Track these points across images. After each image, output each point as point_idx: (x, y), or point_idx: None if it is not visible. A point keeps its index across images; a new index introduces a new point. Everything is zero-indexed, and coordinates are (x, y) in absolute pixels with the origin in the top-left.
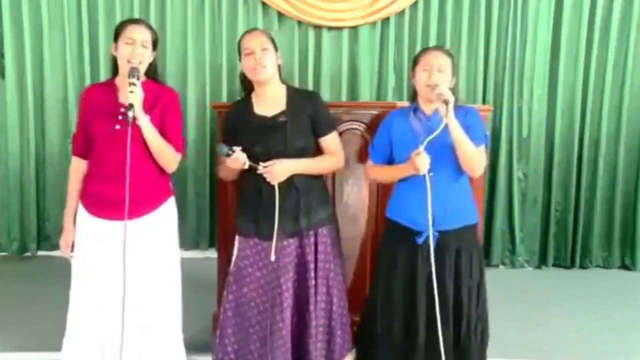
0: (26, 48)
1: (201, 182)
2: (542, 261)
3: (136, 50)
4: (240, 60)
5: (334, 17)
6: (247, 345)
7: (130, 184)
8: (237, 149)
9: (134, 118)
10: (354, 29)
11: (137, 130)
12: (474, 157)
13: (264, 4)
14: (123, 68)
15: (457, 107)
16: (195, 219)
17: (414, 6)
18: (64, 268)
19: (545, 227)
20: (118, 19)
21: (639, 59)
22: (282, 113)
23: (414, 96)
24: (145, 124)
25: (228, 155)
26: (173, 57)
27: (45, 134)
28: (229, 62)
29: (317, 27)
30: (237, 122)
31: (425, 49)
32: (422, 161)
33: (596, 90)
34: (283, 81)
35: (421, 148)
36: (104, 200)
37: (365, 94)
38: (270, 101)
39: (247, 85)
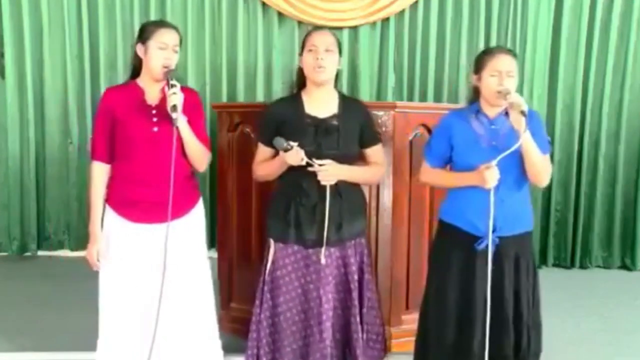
0: (26, 48)
1: (201, 182)
2: (542, 261)
3: (169, 54)
4: (301, 54)
5: (334, 17)
6: (282, 356)
7: (167, 186)
8: (294, 144)
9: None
10: (354, 29)
11: (172, 132)
12: (543, 167)
13: (264, 4)
14: (153, 70)
15: None
16: None
17: (414, 6)
18: (64, 268)
19: (545, 227)
20: (118, 19)
21: (639, 59)
22: (334, 116)
23: (474, 97)
24: (185, 125)
25: (287, 150)
26: None
27: (45, 134)
28: (229, 62)
29: (317, 27)
30: (285, 118)
31: (491, 51)
32: (492, 176)
33: (596, 90)
34: (335, 86)
35: (493, 163)
36: (141, 204)
37: (365, 94)
38: (322, 103)
39: (301, 82)
